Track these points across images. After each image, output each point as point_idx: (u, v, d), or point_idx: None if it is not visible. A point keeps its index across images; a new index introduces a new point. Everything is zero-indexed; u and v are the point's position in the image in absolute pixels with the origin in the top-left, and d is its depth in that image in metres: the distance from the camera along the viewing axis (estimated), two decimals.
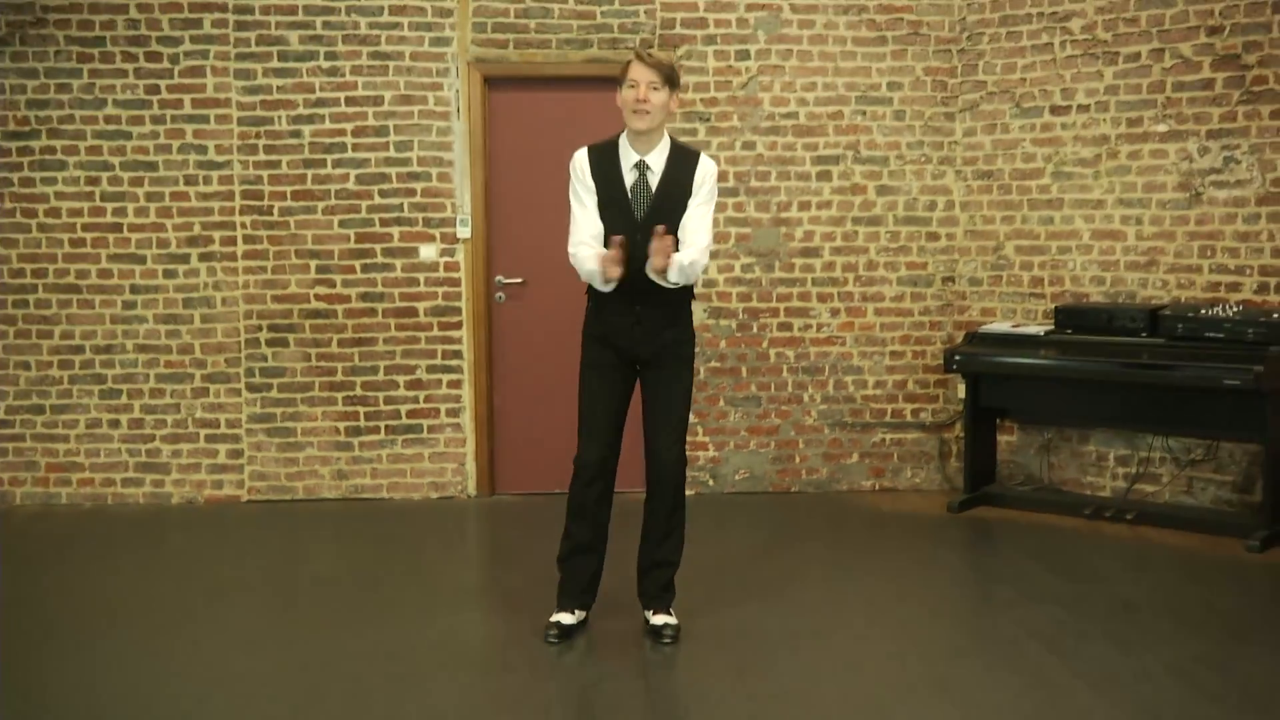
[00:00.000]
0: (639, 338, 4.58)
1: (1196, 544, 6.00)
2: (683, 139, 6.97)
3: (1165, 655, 4.50)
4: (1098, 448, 6.82)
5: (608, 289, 4.49)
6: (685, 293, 4.64)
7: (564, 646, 4.67)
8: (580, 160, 4.57)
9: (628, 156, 4.51)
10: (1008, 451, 7.10)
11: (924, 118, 7.13)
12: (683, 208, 4.52)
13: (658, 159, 4.51)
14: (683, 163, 4.54)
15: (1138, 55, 6.54)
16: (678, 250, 4.46)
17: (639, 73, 4.42)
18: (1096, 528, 6.33)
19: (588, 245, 4.52)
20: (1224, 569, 5.63)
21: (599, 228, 4.53)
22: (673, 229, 4.46)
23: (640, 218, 4.48)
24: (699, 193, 4.54)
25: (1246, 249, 6.28)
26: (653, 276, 4.44)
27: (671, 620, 4.73)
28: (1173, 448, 6.55)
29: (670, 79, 4.44)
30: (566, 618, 4.75)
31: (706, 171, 4.56)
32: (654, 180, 4.50)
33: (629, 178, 4.50)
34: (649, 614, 4.77)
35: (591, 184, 4.53)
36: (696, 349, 6.99)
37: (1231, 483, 6.38)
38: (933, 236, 7.19)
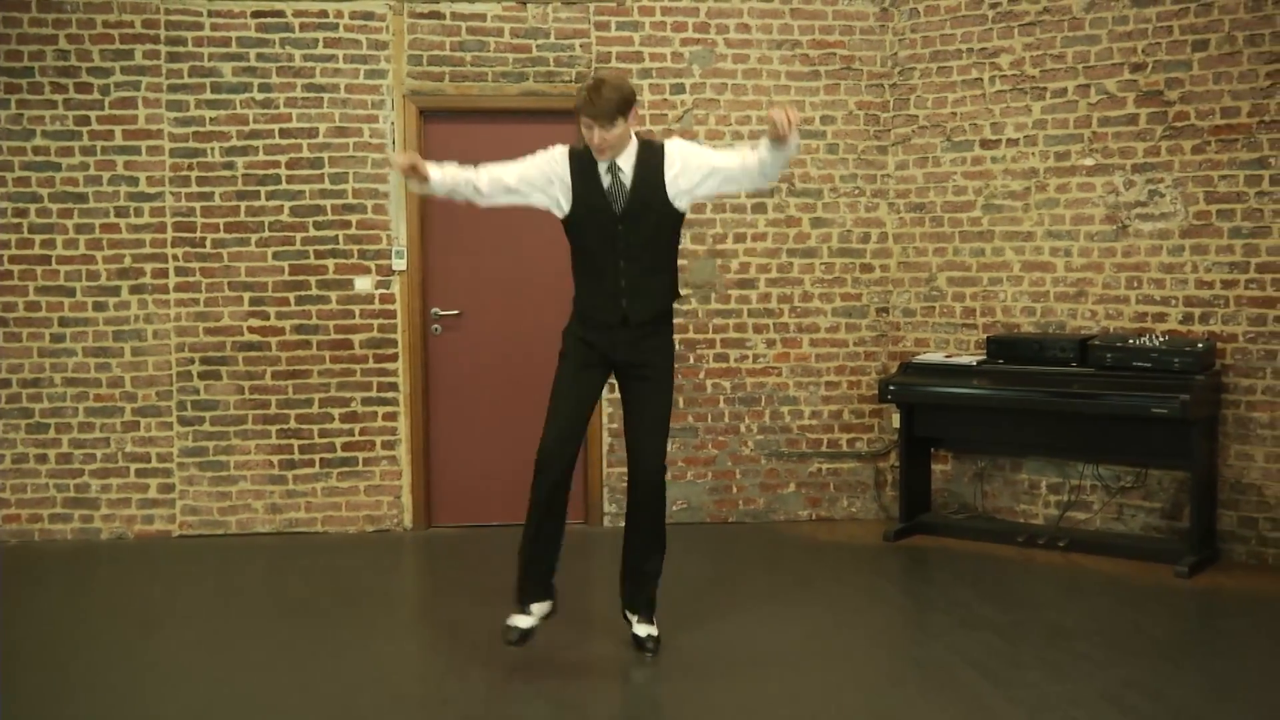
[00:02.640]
0: (621, 341, 4.67)
1: (1127, 570, 6.08)
2: None
3: (1098, 681, 4.56)
4: (1030, 476, 6.91)
5: (409, 180, 4.69)
6: (669, 303, 4.76)
7: (498, 679, 4.64)
8: (559, 153, 4.69)
9: (602, 161, 4.63)
10: (942, 480, 7.17)
11: (857, 151, 7.22)
12: (659, 201, 4.62)
13: (627, 160, 4.64)
14: (650, 156, 4.66)
15: (1064, 90, 6.67)
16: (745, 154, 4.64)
17: (587, 120, 4.53)
18: (1030, 555, 6.40)
19: (481, 176, 4.66)
20: (1154, 594, 5.71)
21: (515, 193, 4.67)
22: (650, 217, 4.62)
23: (619, 211, 4.61)
24: (691, 161, 4.64)
25: (1171, 280, 6.41)
26: (775, 146, 4.52)
27: (655, 631, 4.87)
28: (1103, 475, 6.65)
29: (621, 110, 4.52)
30: (521, 620, 4.74)
31: (675, 151, 4.68)
32: (626, 179, 4.62)
33: (605, 179, 4.62)
34: (635, 622, 4.90)
35: (562, 173, 4.63)
36: None
37: (1160, 509, 6.49)
38: (866, 268, 7.27)
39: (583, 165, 4.64)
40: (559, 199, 4.66)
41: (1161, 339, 6.20)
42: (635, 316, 4.66)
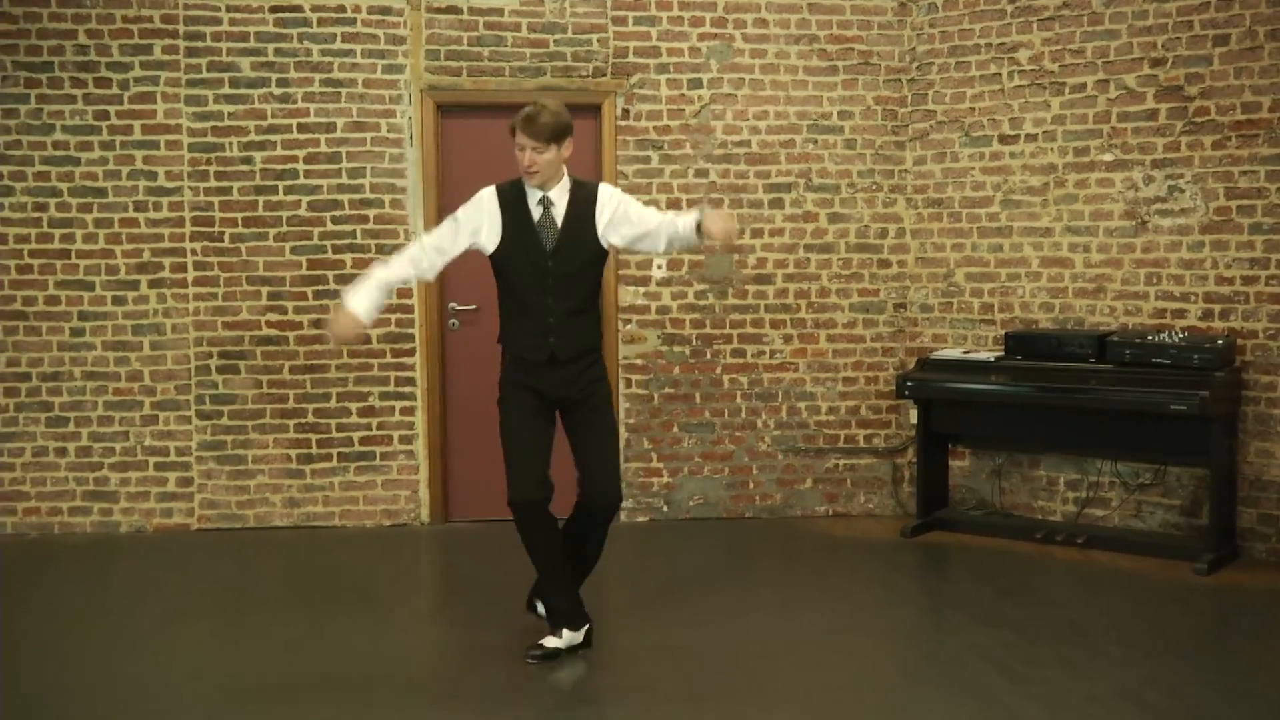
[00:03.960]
0: (560, 380, 4.68)
1: (1145, 567, 6.06)
2: (636, 166, 7.04)
3: (1115, 678, 4.54)
4: (1048, 472, 6.88)
5: (329, 336, 4.76)
6: (596, 341, 4.80)
7: (514, 673, 4.66)
8: (488, 194, 4.69)
9: (532, 194, 4.65)
10: (960, 476, 7.15)
11: (875, 146, 7.20)
12: (589, 238, 4.65)
13: (559, 195, 4.66)
14: (583, 195, 4.69)
15: (1084, 86, 6.64)
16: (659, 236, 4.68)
17: (522, 139, 4.55)
18: (1047, 551, 6.38)
19: (415, 259, 4.70)
20: (1173, 592, 5.68)
21: (450, 249, 4.69)
22: (577, 258, 4.64)
23: (549, 247, 4.62)
24: (625, 210, 4.67)
25: (1191, 276, 6.38)
26: (695, 236, 4.62)
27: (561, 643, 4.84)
28: (1121, 472, 6.62)
29: (555, 137, 4.55)
30: (551, 640, 4.83)
31: (609, 195, 4.71)
32: (558, 214, 4.64)
33: (535, 212, 4.63)
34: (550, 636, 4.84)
35: (490, 216, 4.63)
36: (651, 375, 7.02)
37: (1179, 506, 6.46)
38: (884, 264, 7.25)
39: (511, 201, 4.65)
40: (485, 241, 4.65)
41: (1181, 335, 6.17)
42: (562, 354, 4.66)
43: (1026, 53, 6.81)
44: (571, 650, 4.82)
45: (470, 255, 6.90)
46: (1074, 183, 6.72)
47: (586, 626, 4.87)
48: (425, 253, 4.70)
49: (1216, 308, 6.29)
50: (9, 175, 6.86)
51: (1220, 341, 6.04)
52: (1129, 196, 6.56)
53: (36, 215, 6.89)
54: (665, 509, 7.14)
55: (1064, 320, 6.77)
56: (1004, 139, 6.92)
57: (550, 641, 4.80)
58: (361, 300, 4.59)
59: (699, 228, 4.56)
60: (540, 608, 4.94)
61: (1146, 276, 6.52)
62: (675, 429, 7.16)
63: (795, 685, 4.56)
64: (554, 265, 4.61)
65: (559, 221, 4.62)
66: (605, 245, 4.69)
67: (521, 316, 4.69)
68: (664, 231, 4.66)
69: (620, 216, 4.66)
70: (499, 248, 4.65)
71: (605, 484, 4.76)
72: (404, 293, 6.98)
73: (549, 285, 4.62)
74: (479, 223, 4.65)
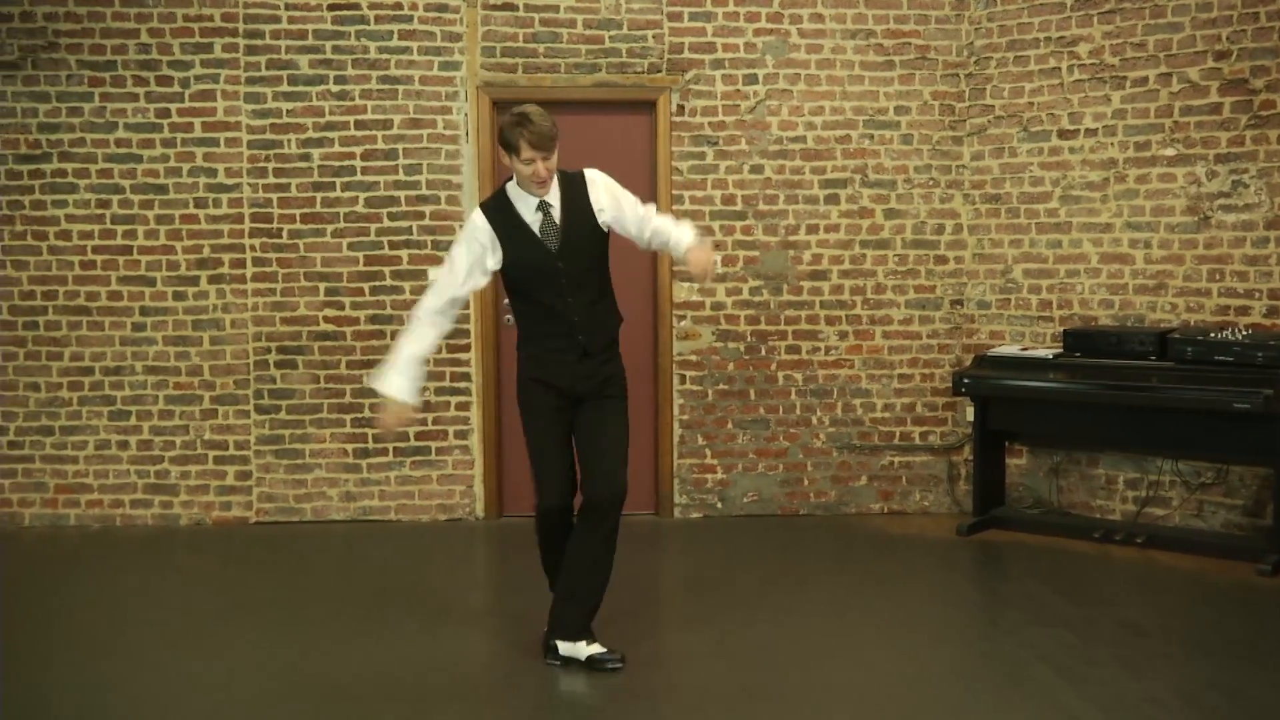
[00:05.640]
0: (581, 374, 4.61)
1: (1206, 567, 5.98)
2: (691, 163, 7.03)
3: (1175, 680, 4.48)
4: (1107, 471, 6.80)
5: (381, 426, 4.68)
6: (617, 326, 4.72)
7: (568, 668, 4.66)
8: (478, 219, 4.57)
9: (526, 203, 4.55)
10: (1017, 474, 7.08)
11: (932, 141, 7.15)
12: (590, 228, 4.58)
13: (554, 195, 4.57)
14: (573, 187, 4.60)
15: (1145, 80, 6.55)
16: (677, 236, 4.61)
17: (530, 154, 4.42)
18: (1106, 551, 6.31)
19: (434, 318, 4.59)
20: (1234, 593, 5.60)
21: (461, 293, 4.59)
22: (585, 251, 4.57)
23: (555, 249, 4.54)
24: (618, 203, 4.60)
25: (1255, 272, 6.28)
26: (674, 251, 4.62)
27: (603, 649, 4.69)
28: (1182, 471, 6.53)
29: (556, 142, 4.48)
30: (566, 647, 4.74)
31: (595, 177, 4.63)
32: (557, 214, 4.55)
33: (534, 221, 4.54)
34: (583, 644, 4.68)
35: (487, 241, 4.54)
36: (705, 371, 7.02)
37: (1242, 506, 6.36)
38: (941, 260, 7.20)
39: (506, 219, 4.54)
40: (487, 262, 4.57)
41: (1244, 332, 6.08)
42: (592, 347, 4.60)
43: (1086, 46, 6.73)
44: (578, 663, 4.68)
45: None
46: (1135, 178, 6.64)
47: (592, 648, 4.68)
48: (442, 310, 4.60)
49: None
50: (73, 173, 6.97)
51: None
52: (1191, 192, 6.46)
53: (100, 212, 7.00)
54: (719, 505, 7.13)
55: (1124, 317, 6.69)
56: (1063, 134, 6.84)
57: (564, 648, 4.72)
58: (401, 383, 4.55)
59: (686, 251, 4.51)
60: (563, 649, 4.72)
61: (1209, 273, 6.42)
62: (730, 425, 7.15)
63: (849, 684, 4.53)
64: (564, 265, 4.53)
65: (558, 221, 4.54)
66: (604, 228, 4.62)
67: (545, 321, 4.59)
68: (651, 227, 4.59)
69: (610, 198, 4.59)
70: (505, 265, 4.56)
71: (610, 474, 4.57)
72: None
73: (564, 285, 4.54)
74: (479, 253, 4.55)
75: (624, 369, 4.76)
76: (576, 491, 4.68)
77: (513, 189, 4.58)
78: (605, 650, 4.68)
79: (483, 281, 4.63)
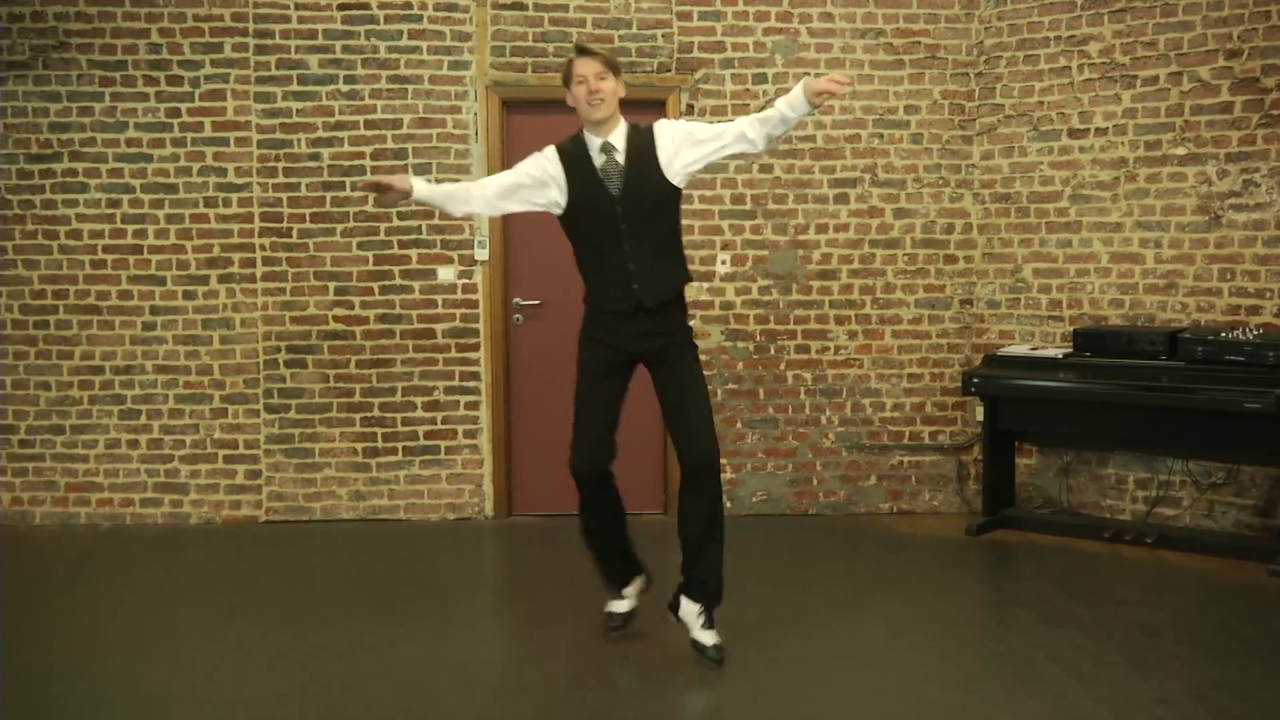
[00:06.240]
0: (636, 332, 4.58)
1: (1217, 568, 5.96)
2: None
3: (1185, 680, 4.47)
4: (1117, 471, 6.79)
5: (381, 197, 4.64)
6: (680, 285, 4.66)
7: (578, 668, 4.67)
8: (550, 152, 4.65)
9: (592, 144, 4.59)
10: (1026, 474, 7.07)
11: (941, 141, 7.14)
12: (654, 174, 4.55)
13: (619, 139, 4.59)
14: (641, 136, 4.61)
15: (1156, 79, 6.54)
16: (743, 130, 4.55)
17: (585, 68, 4.53)
18: (1116, 551, 6.30)
19: (478, 184, 4.70)
20: (1245, 593, 5.58)
21: (508, 197, 4.66)
22: (648, 194, 4.55)
23: (616, 192, 4.54)
24: (689, 132, 4.58)
25: (1266, 272, 6.26)
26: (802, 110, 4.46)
27: (718, 640, 4.70)
28: (1193, 471, 6.52)
29: (613, 66, 4.58)
30: (618, 605, 4.93)
31: (665, 127, 4.64)
32: (620, 157, 4.56)
33: (598, 160, 4.57)
34: (697, 627, 4.73)
35: (553, 170, 4.60)
36: (714, 371, 7.00)
37: (1253, 506, 6.34)
38: (950, 259, 7.19)
39: (574, 156, 4.59)
40: (555, 197, 4.61)
41: (1256, 332, 6.06)
42: (648, 300, 4.56)
43: (1097, 45, 6.71)
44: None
45: (532, 240, 6.92)
46: (1145, 177, 6.62)
47: (618, 604, 4.92)
48: (488, 191, 4.67)
49: None
50: (84, 172, 6.98)
51: None
52: (1202, 191, 6.44)
53: (110, 211, 7.01)
54: (728, 505, 7.11)
55: (1134, 317, 6.67)
56: (1073, 133, 6.83)
57: (617, 606, 4.94)
58: (420, 181, 4.65)
59: (806, 97, 4.40)
60: (682, 609, 4.76)
61: (1220, 272, 6.41)
62: (739, 425, 7.15)
63: (859, 684, 4.53)
64: (624, 210, 4.51)
65: (621, 163, 4.54)
66: (674, 181, 4.57)
67: (601, 268, 4.59)
68: (742, 134, 4.52)
69: (684, 139, 4.56)
70: (568, 204, 4.58)
71: (696, 438, 4.54)
72: (469, 288, 7.02)
73: (623, 231, 4.52)
74: (546, 177, 4.60)
75: (690, 329, 4.73)
76: (612, 458, 4.69)
77: (584, 134, 4.62)
78: (712, 645, 4.68)
79: (517, 207, 4.68)
